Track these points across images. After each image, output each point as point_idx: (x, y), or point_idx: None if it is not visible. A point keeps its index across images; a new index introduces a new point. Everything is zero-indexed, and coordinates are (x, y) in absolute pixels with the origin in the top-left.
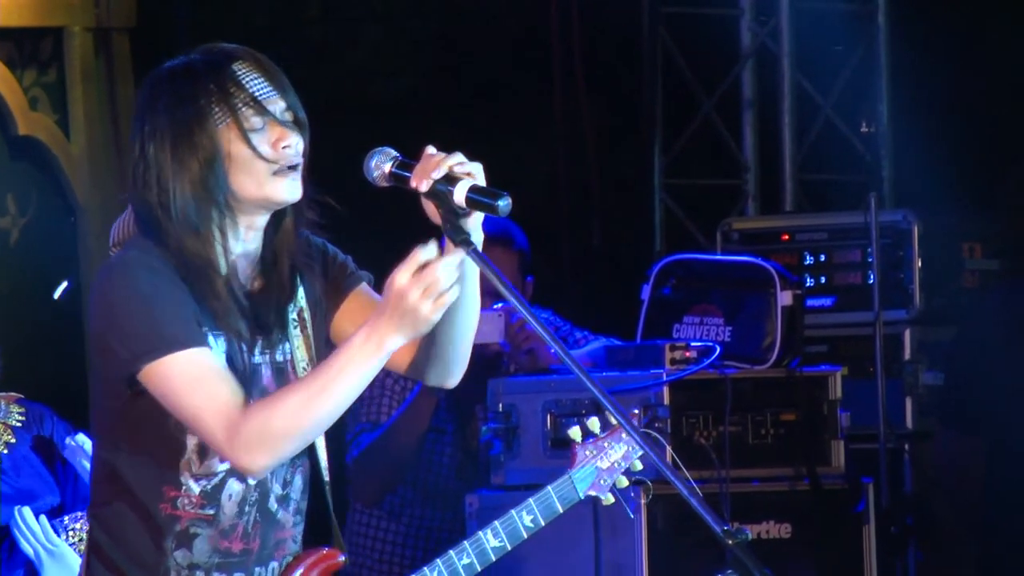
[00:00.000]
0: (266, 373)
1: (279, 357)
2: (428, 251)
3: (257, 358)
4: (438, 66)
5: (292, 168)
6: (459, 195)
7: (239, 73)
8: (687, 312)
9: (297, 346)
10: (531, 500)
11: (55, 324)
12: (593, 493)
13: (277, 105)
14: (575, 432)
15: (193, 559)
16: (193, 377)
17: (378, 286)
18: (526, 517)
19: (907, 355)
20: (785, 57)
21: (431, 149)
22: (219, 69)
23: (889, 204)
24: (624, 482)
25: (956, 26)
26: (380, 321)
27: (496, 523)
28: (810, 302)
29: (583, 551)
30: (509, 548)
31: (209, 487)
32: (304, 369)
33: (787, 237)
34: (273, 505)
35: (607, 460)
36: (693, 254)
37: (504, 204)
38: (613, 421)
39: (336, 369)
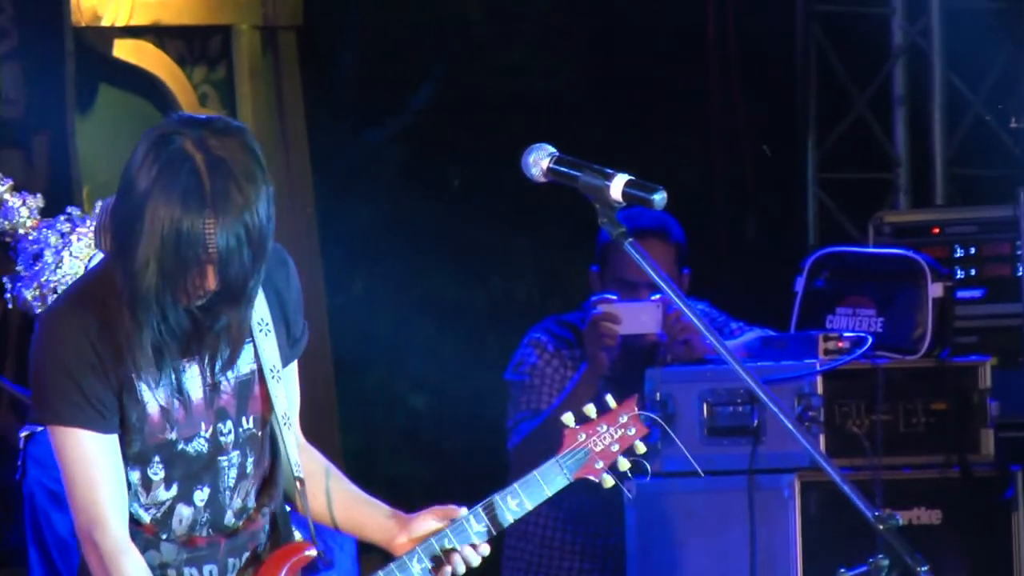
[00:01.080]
0: (226, 390)
1: (240, 371)
2: None
3: (216, 377)
4: (595, 64)
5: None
6: (616, 189)
7: (200, 230)
8: (840, 303)
9: (264, 350)
10: (516, 484)
11: None
12: (584, 476)
13: (208, 268)
14: (568, 418)
15: (163, 559)
16: (75, 457)
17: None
18: (511, 501)
19: None
20: (936, 54)
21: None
22: (199, 222)
23: None
24: (625, 464)
25: None
26: None
27: (478, 507)
28: (960, 294)
29: (737, 535)
30: (493, 533)
31: (159, 515)
32: (277, 380)
33: (937, 230)
34: (231, 520)
35: (601, 443)
36: (846, 247)
37: (660, 198)
38: (612, 404)
39: None
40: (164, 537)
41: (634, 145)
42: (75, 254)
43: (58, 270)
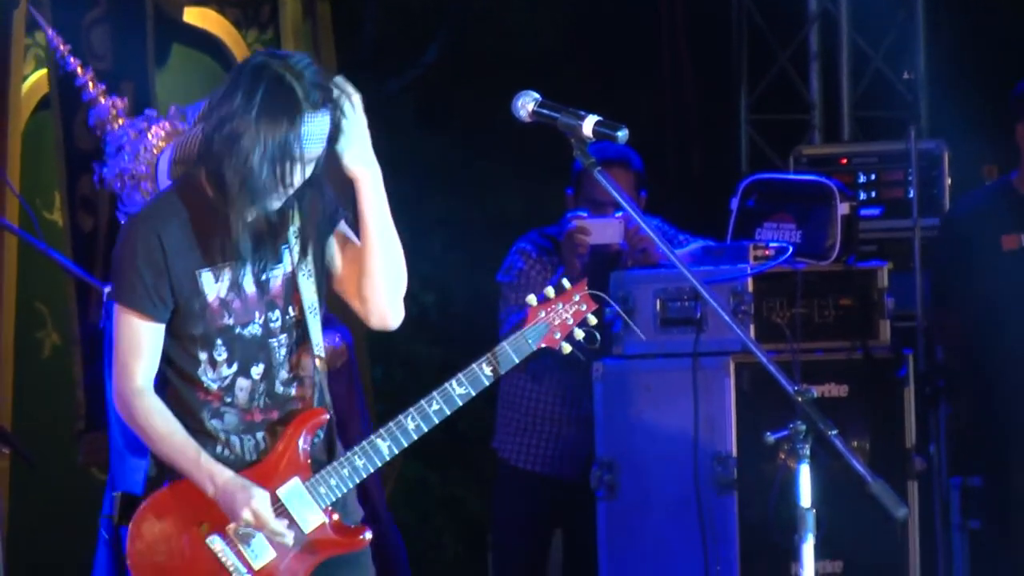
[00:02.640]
0: (275, 286)
1: (285, 270)
2: (277, 525)
3: (265, 274)
4: (571, 28)
5: (285, 194)
6: (587, 128)
7: (307, 124)
8: (767, 219)
9: (298, 261)
10: (489, 353)
11: None
12: (544, 345)
13: (312, 154)
14: (531, 298)
15: (224, 427)
16: (127, 335)
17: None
18: (486, 368)
19: None
20: (844, 19)
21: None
22: (297, 115)
23: (925, 134)
24: (580, 334)
25: None
26: (220, 476)
27: (460, 375)
28: (863, 212)
29: (684, 406)
30: (473, 394)
31: (224, 385)
32: (307, 278)
33: (845, 161)
34: (281, 388)
35: (558, 318)
36: (771, 174)
37: (623, 134)
38: (567, 286)
39: (180, 453)
40: (228, 401)
41: (602, 92)
42: (148, 148)
43: (134, 160)
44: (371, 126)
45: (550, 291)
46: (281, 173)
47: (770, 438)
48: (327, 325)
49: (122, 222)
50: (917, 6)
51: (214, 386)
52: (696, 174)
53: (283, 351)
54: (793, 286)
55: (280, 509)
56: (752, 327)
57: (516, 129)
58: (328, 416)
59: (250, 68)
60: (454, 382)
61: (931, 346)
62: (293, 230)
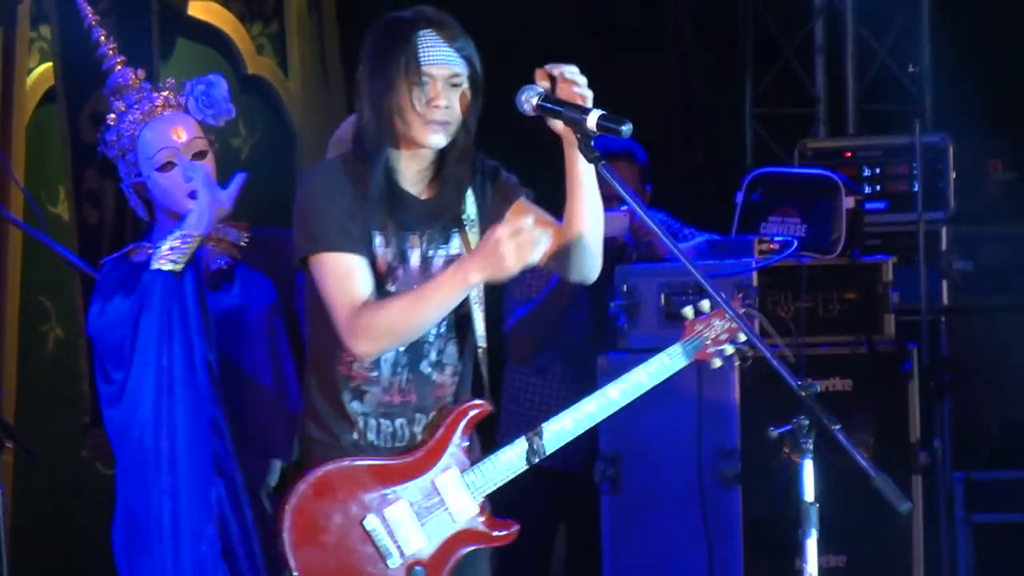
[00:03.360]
0: (436, 264)
1: (445, 251)
2: (528, 220)
3: (428, 251)
4: (575, 18)
5: (438, 123)
6: (591, 122)
7: (422, 38)
8: (771, 213)
9: (472, 240)
10: (647, 362)
11: (272, 226)
12: (700, 359)
13: (443, 71)
14: (688, 311)
15: (364, 408)
16: (336, 274)
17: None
18: (644, 376)
19: (944, 247)
20: (849, 12)
21: (553, 69)
22: (410, 32)
23: (930, 128)
24: (730, 350)
25: None
26: (470, 259)
27: (620, 380)
28: (868, 205)
29: (689, 400)
30: (631, 397)
31: None
32: None
33: (850, 154)
34: (426, 368)
35: (713, 332)
36: (776, 168)
37: (627, 128)
38: (706, 308)
39: (430, 290)
40: (373, 376)
41: (614, 85)
42: (134, 120)
43: (126, 119)
44: None
45: (706, 305)
46: (410, 98)
47: (774, 432)
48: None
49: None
50: None
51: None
52: (701, 168)
53: (433, 329)
54: (798, 280)
55: (437, 498)
56: (757, 321)
57: (520, 121)
58: (491, 409)
59: (367, 35)
60: (613, 387)
61: (935, 340)
62: (467, 216)
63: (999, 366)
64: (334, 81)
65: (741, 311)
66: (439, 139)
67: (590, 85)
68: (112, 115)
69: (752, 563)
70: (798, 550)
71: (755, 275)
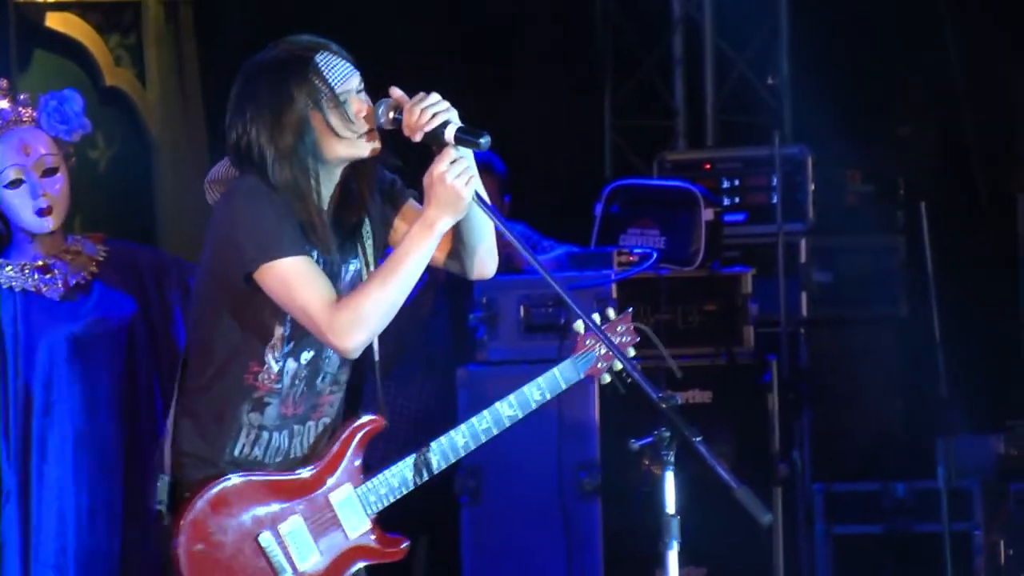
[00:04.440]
0: (345, 280)
1: (355, 265)
2: (455, 151)
3: (338, 267)
4: (435, 29)
5: (371, 130)
6: (449, 135)
7: (321, 63)
8: (631, 225)
9: (371, 255)
10: (539, 378)
11: (132, 238)
12: (591, 374)
13: (353, 83)
14: (579, 325)
15: (262, 421)
16: (300, 278)
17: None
18: (535, 392)
19: (803, 259)
20: (707, 24)
21: (397, 92)
22: (305, 65)
23: (789, 140)
24: (619, 366)
25: None
26: (428, 208)
27: (511, 396)
28: (727, 217)
29: (549, 414)
30: (520, 416)
31: (280, 368)
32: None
33: (709, 166)
34: (320, 383)
35: (604, 348)
36: (635, 179)
37: (485, 141)
38: (612, 316)
39: (401, 254)
40: (276, 388)
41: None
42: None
43: None
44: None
45: (596, 319)
46: (339, 121)
47: (635, 445)
48: None
49: None
50: (781, 11)
51: (275, 368)
52: (560, 179)
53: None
54: (657, 292)
55: (331, 514)
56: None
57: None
58: (384, 424)
59: (244, 83)
60: (504, 403)
61: (795, 352)
62: (364, 228)
63: (858, 377)
64: (192, 92)
65: (632, 326)
66: (377, 144)
67: (445, 95)
68: None
69: (612, 575)
70: (659, 562)
71: (614, 287)
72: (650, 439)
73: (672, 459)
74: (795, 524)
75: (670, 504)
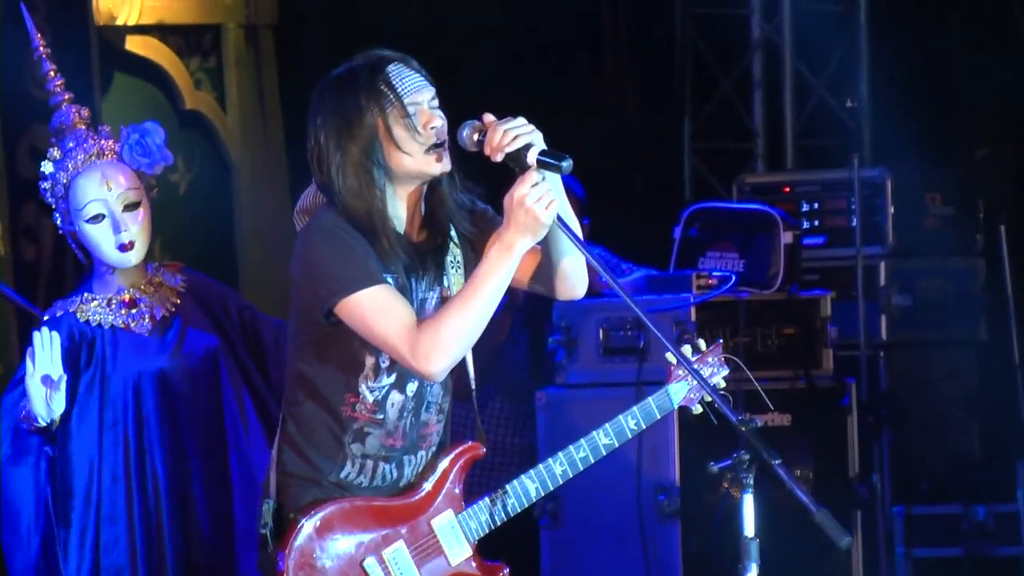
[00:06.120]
0: (430, 307)
1: (441, 293)
2: (537, 175)
3: (422, 294)
4: (513, 52)
5: (440, 145)
6: (531, 158)
7: (391, 73)
8: (710, 248)
9: (455, 283)
10: (635, 408)
11: (213, 260)
12: (684, 404)
13: (425, 95)
14: (670, 356)
15: (365, 451)
16: (379, 308)
17: None
18: (630, 421)
19: (882, 282)
20: (787, 47)
21: (489, 117)
22: (376, 75)
23: (868, 163)
24: (709, 398)
25: (922, 21)
26: (507, 231)
27: (607, 425)
28: (806, 241)
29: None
30: (616, 445)
31: (379, 396)
32: None
33: (788, 189)
34: (425, 413)
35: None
36: (714, 203)
37: (567, 164)
38: (703, 348)
39: (480, 278)
40: (379, 419)
41: (551, 121)
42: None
43: (61, 166)
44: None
45: (687, 350)
46: (405, 133)
47: (714, 468)
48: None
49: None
50: (860, 34)
51: (370, 398)
52: (639, 202)
53: None
54: (736, 315)
55: (433, 541)
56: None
57: (456, 155)
58: (484, 451)
59: (320, 99)
60: (600, 432)
61: (874, 375)
62: (452, 257)
63: (937, 401)
64: (272, 115)
65: (723, 356)
66: (445, 163)
67: (529, 120)
68: (47, 161)
69: None
70: None
71: (693, 310)
72: (729, 462)
73: (751, 482)
74: (875, 547)
75: (749, 527)
